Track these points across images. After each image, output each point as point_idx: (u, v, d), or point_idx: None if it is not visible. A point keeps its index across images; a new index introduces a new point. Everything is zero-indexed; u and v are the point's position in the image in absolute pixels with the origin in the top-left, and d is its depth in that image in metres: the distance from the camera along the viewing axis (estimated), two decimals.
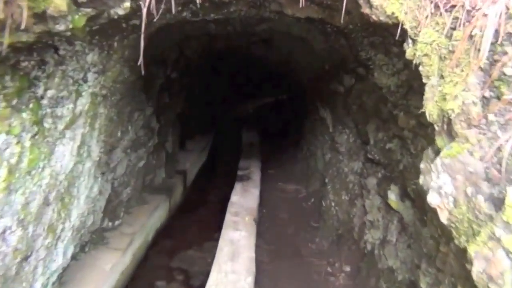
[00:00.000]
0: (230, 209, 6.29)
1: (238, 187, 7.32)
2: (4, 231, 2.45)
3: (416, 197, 3.47)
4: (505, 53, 1.57)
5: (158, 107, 6.71)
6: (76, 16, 2.27)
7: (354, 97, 5.65)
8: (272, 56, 14.27)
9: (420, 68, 1.98)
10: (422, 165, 2.06)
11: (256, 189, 7.35)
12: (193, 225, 6.76)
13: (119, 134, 4.24)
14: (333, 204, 6.71)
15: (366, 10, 2.26)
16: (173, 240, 6.20)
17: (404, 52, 2.14)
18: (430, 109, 1.91)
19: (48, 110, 2.80)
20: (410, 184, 3.43)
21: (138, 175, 5.83)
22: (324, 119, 7.59)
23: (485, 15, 1.64)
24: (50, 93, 2.76)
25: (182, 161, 8.87)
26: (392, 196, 4.39)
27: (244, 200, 6.66)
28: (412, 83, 3.08)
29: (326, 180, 7.10)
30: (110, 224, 5.17)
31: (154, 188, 6.77)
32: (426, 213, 3.02)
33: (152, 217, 5.98)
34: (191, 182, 8.81)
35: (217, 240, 5.29)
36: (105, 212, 4.87)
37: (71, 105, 3.02)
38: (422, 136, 3.16)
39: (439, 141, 1.89)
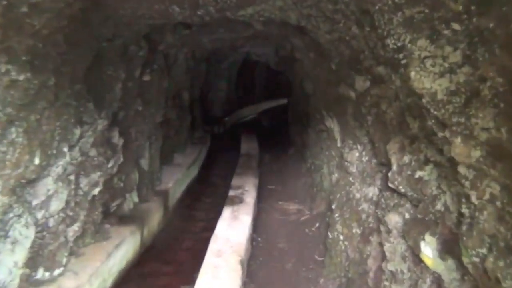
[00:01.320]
0: (212, 245, 4.98)
1: (226, 213, 6.02)
2: None
3: (476, 272, 2.14)
4: None
5: (125, 118, 5.45)
6: None
7: (369, 105, 4.33)
8: (271, 54, 12.99)
9: None
10: None
11: (248, 216, 6.04)
12: (169, 264, 5.47)
13: (37, 160, 2.98)
14: (341, 237, 5.39)
15: None
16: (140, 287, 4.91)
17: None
18: None
19: None
20: (469, 251, 2.11)
21: (92, 205, 4.56)
22: (331, 130, 6.28)
23: None
24: None
25: (165, 179, 7.61)
26: (427, 250, 3.07)
27: (231, 233, 5.34)
28: (481, 88, 1.77)
29: (333, 206, 5.78)
30: (47, 274, 3.90)
31: (122, 217, 5.50)
32: None
33: (111, 258, 4.70)
34: (175, 204, 7.53)
35: None
36: (34, 262, 3.60)
37: None
38: (495, 178, 1.85)
39: None
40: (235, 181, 7.76)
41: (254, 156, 10.05)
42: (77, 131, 3.74)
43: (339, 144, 5.78)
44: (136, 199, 5.97)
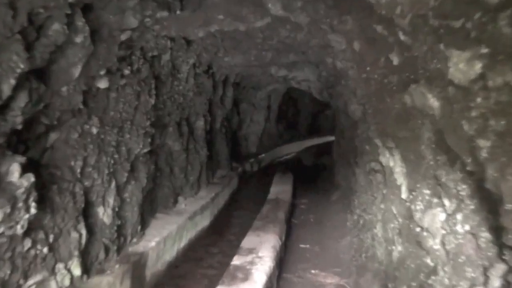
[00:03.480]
0: None
1: None
2: None
3: None
4: None
5: (58, 143, 3.43)
6: None
7: (480, 116, 1.97)
8: (312, 79, 10.82)
9: None
10: None
11: None
12: None
13: None
14: None
15: None
16: None
17: None
18: None
19: None
20: None
21: None
22: (388, 171, 3.89)
23: None
24: None
25: (150, 234, 5.47)
26: None
27: None
28: None
29: None
30: None
31: None
32: None
33: None
34: (159, 272, 5.29)
35: None
36: None
37: None
38: None
39: None
40: (247, 241, 5.44)
41: (284, 203, 7.68)
42: None
43: (404, 195, 3.35)
44: (77, 272, 3.82)
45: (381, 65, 3.56)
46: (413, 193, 3.15)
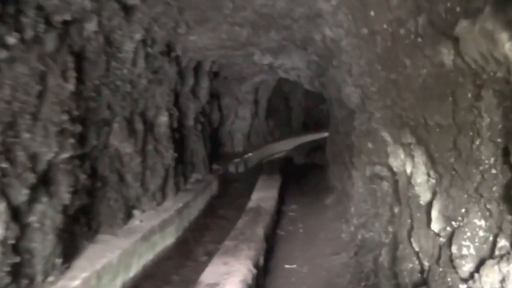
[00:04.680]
0: None
1: None
2: None
3: None
4: None
5: None
6: None
7: None
8: (301, 67, 9.44)
9: None
10: None
11: None
12: None
13: None
14: None
15: None
16: None
17: None
18: None
19: None
20: None
21: None
22: (405, 179, 2.51)
23: None
24: None
25: (80, 265, 4.08)
26: None
27: None
28: None
29: None
30: None
31: None
32: None
33: None
34: None
35: None
36: None
37: None
38: None
39: None
40: (210, 273, 4.06)
41: (266, 213, 6.29)
42: None
43: (435, 225, 1.96)
44: None
45: (394, 3, 2.19)
46: (454, 223, 1.75)
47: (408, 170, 2.28)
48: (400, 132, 2.40)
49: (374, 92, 3.10)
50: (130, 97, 5.27)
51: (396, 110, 2.47)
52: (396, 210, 2.63)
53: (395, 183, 2.65)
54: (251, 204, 6.77)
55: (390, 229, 2.87)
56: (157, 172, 6.25)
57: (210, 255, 5.39)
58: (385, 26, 2.49)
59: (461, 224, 1.71)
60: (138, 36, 4.84)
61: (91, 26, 3.91)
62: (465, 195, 1.69)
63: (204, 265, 5.00)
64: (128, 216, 5.51)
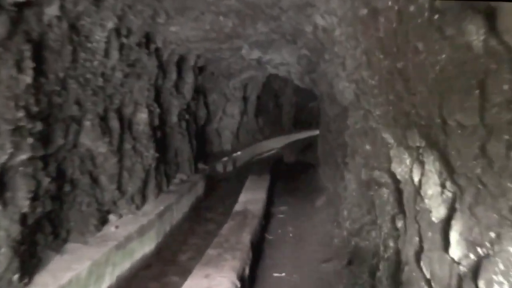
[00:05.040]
0: None
1: None
2: None
3: None
4: None
5: None
6: None
7: None
8: (292, 62, 9.04)
9: None
10: None
11: None
12: None
13: None
14: None
15: None
16: None
17: None
18: None
19: None
20: None
21: None
22: (411, 189, 2.11)
23: None
24: None
25: (41, 282, 3.63)
26: None
27: None
28: None
29: None
30: None
31: None
32: None
33: None
34: None
35: None
36: None
37: None
38: None
39: None
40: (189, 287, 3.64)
41: (253, 216, 5.88)
42: None
43: (455, 251, 1.56)
44: None
45: None
46: (481, 250, 1.36)
47: (416, 179, 1.90)
48: (407, 133, 2.01)
49: (372, 86, 2.69)
50: (103, 92, 4.81)
51: (402, 106, 2.07)
52: (399, 223, 2.24)
53: (398, 192, 2.25)
54: (237, 207, 6.36)
55: (391, 243, 2.49)
56: (136, 173, 5.81)
57: (195, 261, 4.98)
58: (389, 3, 2.08)
59: (491, 252, 1.32)
60: (110, 25, 4.38)
61: (51, 11, 3.44)
62: (497, 216, 1.31)
63: (188, 273, 4.60)
64: (103, 221, 5.06)
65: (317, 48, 5.59)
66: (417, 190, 1.92)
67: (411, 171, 2.03)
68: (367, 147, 3.05)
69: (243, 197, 6.94)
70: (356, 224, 4.22)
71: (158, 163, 6.79)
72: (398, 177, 2.22)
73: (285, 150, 14.27)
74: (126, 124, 5.66)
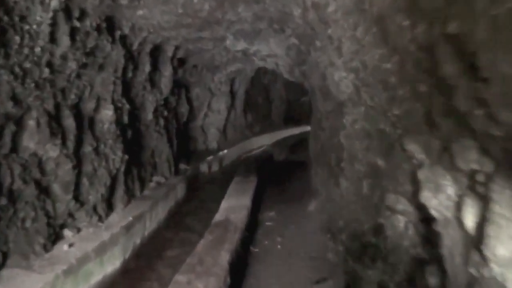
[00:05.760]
0: None
1: None
2: None
3: None
4: None
5: None
6: None
7: None
8: (280, 53, 8.29)
9: None
10: None
11: None
12: None
13: None
14: None
15: None
16: None
17: None
18: None
19: None
20: None
21: None
22: (453, 233, 1.37)
23: None
24: None
25: None
26: None
27: None
28: None
29: None
30: None
31: None
32: None
33: None
34: None
35: None
36: None
37: None
38: None
39: None
40: None
41: (235, 228, 5.12)
42: None
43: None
44: None
45: None
46: None
47: (469, 223, 1.18)
48: (456, 147, 1.29)
49: (387, 73, 1.94)
50: (52, 86, 4.00)
51: (449, 101, 1.34)
52: (431, 279, 1.52)
53: (432, 235, 1.50)
54: (218, 216, 5.59)
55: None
56: (99, 179, 5.01)
57: (170, 279, 4.21)
58: None
59: None
60: (54, 3, 3.57)
61: None
62: None
63: None
64: (55, 239, 4.27)
65: (307, 35, 4.84)
66: (471, 241, 1.18)
67: (458, 208, 1.30)
68: (375, 158, 2.29)
69: (225, 204, 6.18)
70: (355, 242, 3.49)
71: (130, 166, 6.01)
72: (433, 212, 1.49)
73: (275, 148, 13.54)
74: (86, 123, 4.86)
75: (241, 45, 8.49)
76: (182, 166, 8.91)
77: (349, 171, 3.59)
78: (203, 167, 10.14)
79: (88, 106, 4.85)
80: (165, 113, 7.77)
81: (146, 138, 6.99)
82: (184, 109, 9.46)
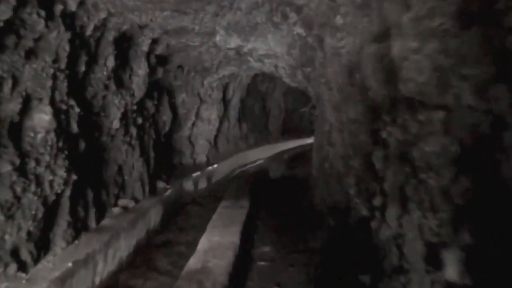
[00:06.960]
0: None
1: None
2: None
3: None
4: None
5: None
6: None
7: None
8: (279, 53, 6.93)
9: None
10: None
11: None
12: None
13: None
14: None
15: None
16: None
17: None
18: None
19: None
20: None
21: None
22: None
23: None
24: None
25: None
26: None
27: None
28: None
29: None
30: None
31: None
32: None
33: None
34: None
35: None
36: None
37: None
38: None
39: None
40: None
41: (213, 284, 3.63)
42: None
43: None
44: None
45: None
46: None
47: None
48: None
49: None
50: None
51: None
52: None
53: None
54: (193, 262, 4.08)
55: None
56: (23, 211, 3.54)
57: None
58: None
59: None
60: None
61: None
62: None
63: None
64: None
65: (320, 13, 3.45)
66: None
67: None
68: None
69: (204, 242, 4.69)
70: None
71: (82, 188, 4.55)
72: None
73: (272, 162, 12.08)
74: (5, 132, 3.40)
75: (234, 41, 7.12)
76: (161, 184, 7.43)
77: (391, 214, 2.15)
78: (188, 185, 8.65)
79: (9, 107, 3.40)
80: (139, 120, 6.32)
81: (110, 152, 5.53)
82: (166, 116, 8.02)
